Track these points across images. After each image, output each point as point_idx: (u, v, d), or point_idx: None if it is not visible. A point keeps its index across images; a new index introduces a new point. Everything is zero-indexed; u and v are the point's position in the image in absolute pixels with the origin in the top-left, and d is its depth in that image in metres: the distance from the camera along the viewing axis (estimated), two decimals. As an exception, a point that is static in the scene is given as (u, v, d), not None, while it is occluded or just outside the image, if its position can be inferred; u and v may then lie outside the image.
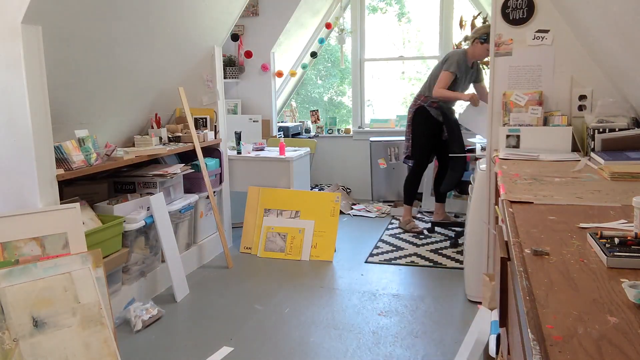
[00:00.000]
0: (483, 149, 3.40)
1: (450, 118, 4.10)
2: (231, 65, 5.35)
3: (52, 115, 2.43)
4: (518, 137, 2.65)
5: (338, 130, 6.02)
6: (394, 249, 4.04)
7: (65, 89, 2.75)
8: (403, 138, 5.32)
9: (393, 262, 3.76)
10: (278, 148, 4.27)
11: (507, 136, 2.67)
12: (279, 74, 5.59)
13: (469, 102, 4.03)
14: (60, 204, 2.45)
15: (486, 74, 4.74)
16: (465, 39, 4.20)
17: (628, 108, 2.50)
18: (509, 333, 1.28)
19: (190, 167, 3.55)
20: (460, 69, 4.02)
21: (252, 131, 5.21)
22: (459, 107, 4.40)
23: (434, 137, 4.30)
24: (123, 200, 2.99)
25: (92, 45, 2.72)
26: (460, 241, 4.00)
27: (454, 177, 4.04)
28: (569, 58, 2.69)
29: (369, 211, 5.14)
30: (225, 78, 5.02)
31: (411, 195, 4.47)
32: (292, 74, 5.92)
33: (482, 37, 3.92)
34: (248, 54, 5.37)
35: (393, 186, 5.45)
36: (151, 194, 3.11)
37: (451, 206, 4.95)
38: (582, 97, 2.70)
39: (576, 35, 2.64)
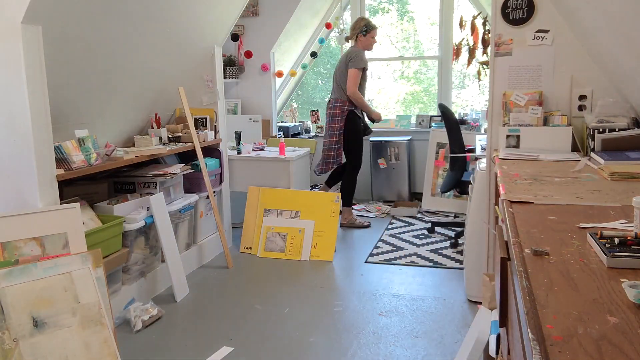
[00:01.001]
0: (483, 149, 3.40)
1: (450, 117, 4.10)
2: (231, 65, 5.35)
3: (52, 115, 2.43)
4: (518, 137, 2.65)
5: (338, 130, 6.01)
6: (394, 249, 4.04)
7: (65, 89, 2.75)
8: (402, 138, 5.34)
9: (393, 262, 3.76)
10: (278, 148, 4.27)
11: (507, 136, 2.67)
12: (279, 74, 5.59)
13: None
14: (60, 204, 2.45)
15: (486, 75, 4.75)
16: (347, 39, 4.55)
17: (628, 108, 2.50)
18: (509, 333, 1.28)
19: (190, 167, 3.55)
20: (365, 62, 4.34)
21: (252, 131, 5.21)
22: (460, 107, 4.41)
23: (362, 138, 4.55)
24: (123, 200, 2.99)
25: (92, 45, 2.72)
26: (460, 241, 4.00)
27: (454, 177, 4.04)
28: (569, 58, 2.69)
29: (369, 211, 5.14)
30: (225, 78, 5.02)
31: (351, 197, 4.62)
32: (292, 74, 5.92)
33: (361, 31, 4.31)
34: (248, 54, 5.37)
35: (393, 186, 5.44)
36: (151, 194, 3.11)
37: (451, 206, 4.95)
38: (582, 97, 2.70)
39: (576, 35, 2.64)
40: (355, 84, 4.26)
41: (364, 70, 4.30)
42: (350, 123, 4.39)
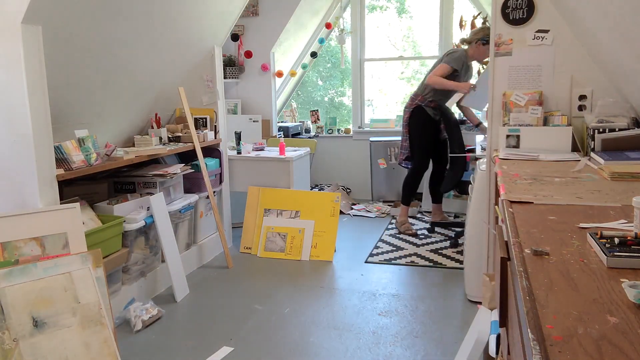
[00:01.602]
0: (483, 149, 3.40)
1: (450, 118, 4.09)
2: (231, 65, 5.35)
3: (52, 115, 2.43)
4: (518, 137, 2.65)
5: (338, 130, 6.02)
6: (394, 249, 4.04)
7: (65, 89, 2.75)
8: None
9: (393, 262, 3.76)
10: (278, 148, 4.27)
11: (507, 136, 2.67)
12: (279, 74, 5.59)
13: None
14: (60, 204, 2.45)
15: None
16: (463, 41, 4.17)
17: (628, 108, 2.50)
18: (509, 333, 1.28)
19: (190, 167, 3.55)
20: (461, 66, 4.02)
21: (252, 131, 5.21)
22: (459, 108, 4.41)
23: (432, 137, 4.27)
24: (123, 200, 2.99)
25: (92, 45, 2.72)
26: (460, 241, 4.00)
27: (454, 177, 4.04)
28: (569, 58, 2.68)
29: (368, 211, 5.14)
30: (225, 78, 5.02)
31: (409, 195, 4.45)
32: (292, 74, 5.92)
33: (483, 38, 3.92)
34: (248, 54, 5.37)
35: (393, 186, 5.44)
36: (151, 194, 3.11)
37: (451, 206, 4.95)
38: (582, 97, 2.70)
39: (576, 35, 2.64)
40: (437, 74, 3.96)
41: (454, 71, 3.98)
42: (414, 118, 4.20)
